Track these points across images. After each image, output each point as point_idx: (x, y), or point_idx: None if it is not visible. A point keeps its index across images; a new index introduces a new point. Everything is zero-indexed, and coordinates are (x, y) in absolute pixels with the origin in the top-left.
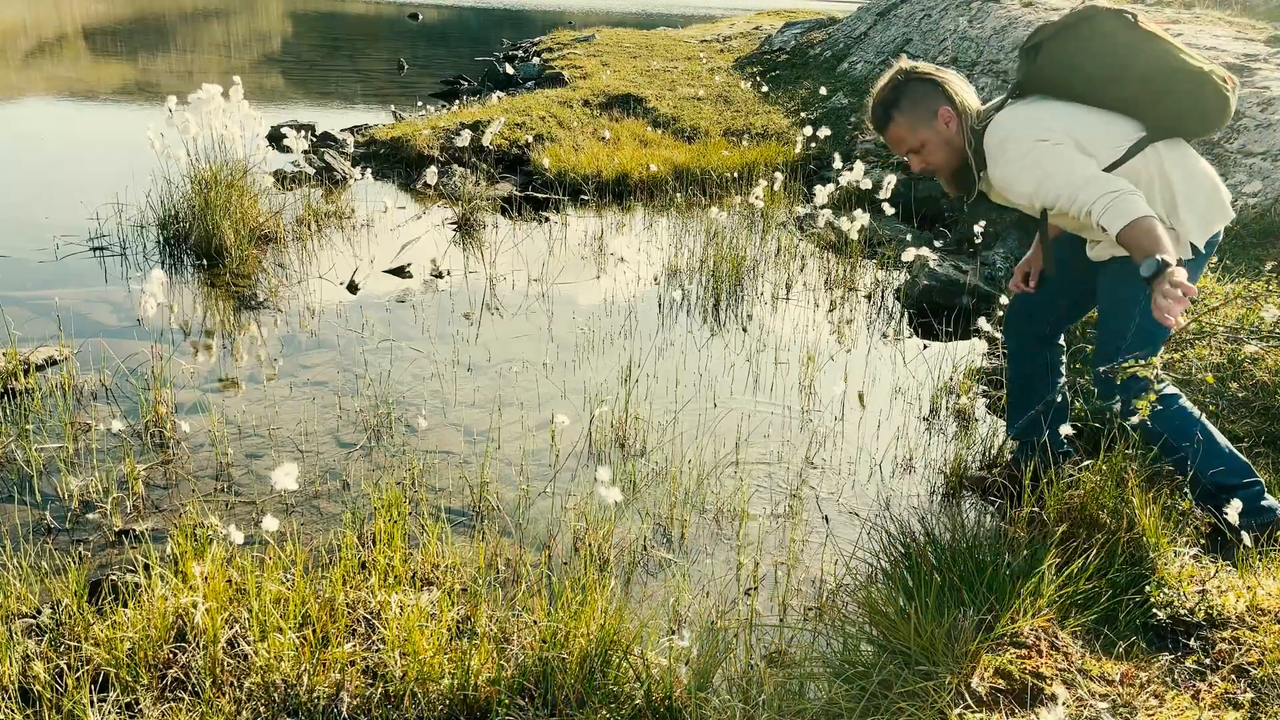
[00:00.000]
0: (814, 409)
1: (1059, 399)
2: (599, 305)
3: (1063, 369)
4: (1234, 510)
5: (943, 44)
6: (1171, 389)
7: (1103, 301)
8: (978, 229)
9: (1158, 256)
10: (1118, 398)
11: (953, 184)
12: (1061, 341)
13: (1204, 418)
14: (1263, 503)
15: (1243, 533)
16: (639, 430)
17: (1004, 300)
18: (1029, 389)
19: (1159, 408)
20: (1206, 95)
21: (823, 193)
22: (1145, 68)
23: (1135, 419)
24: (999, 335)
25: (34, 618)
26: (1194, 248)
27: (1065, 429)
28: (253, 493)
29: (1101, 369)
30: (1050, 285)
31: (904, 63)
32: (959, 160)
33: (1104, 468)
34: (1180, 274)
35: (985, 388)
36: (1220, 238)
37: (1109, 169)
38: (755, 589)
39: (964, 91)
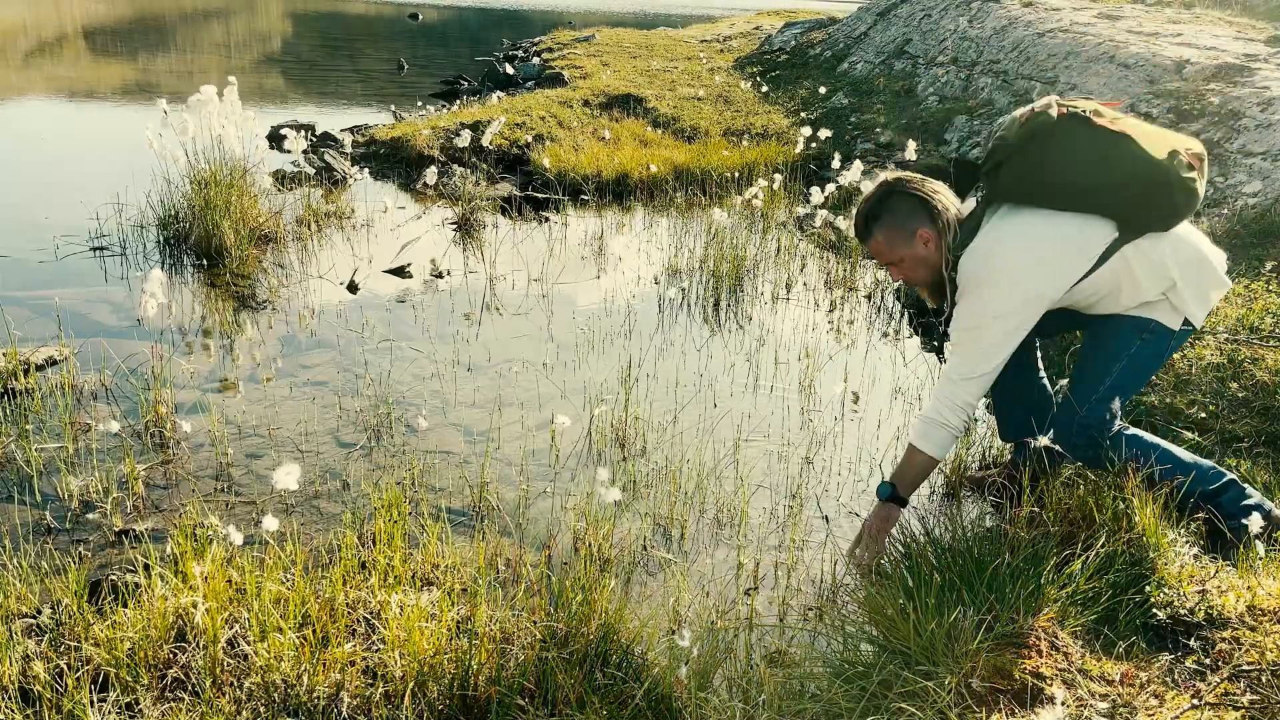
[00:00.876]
0: (814, 409)
1: (1043, 398)
2: (599, 305)
3: (1043, 370)
4: (1255, 522)
5: (943, 44)
6: (1119, 423)
7: (1084, 350)
8: None
9: (892, 488)
10: (1075, 441)
11: (930, 297)
12: (1036, 340)
13: (1157, 439)
14: (1245, 502)
15: (1254, 537)
16: (639, 430)
17: None
18: (1012, 396)
19: (1112, 442)
20: (1176, 193)
21: (822, 192)
22: (1112, 173)
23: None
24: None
25: (34, 618)
26: (1188, 321)
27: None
28: (253, 493)
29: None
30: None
31: (889, 174)
32: (936, 277)
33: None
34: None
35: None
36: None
37: (1090, 271)
38: (755, 589)
39: (947, 203)
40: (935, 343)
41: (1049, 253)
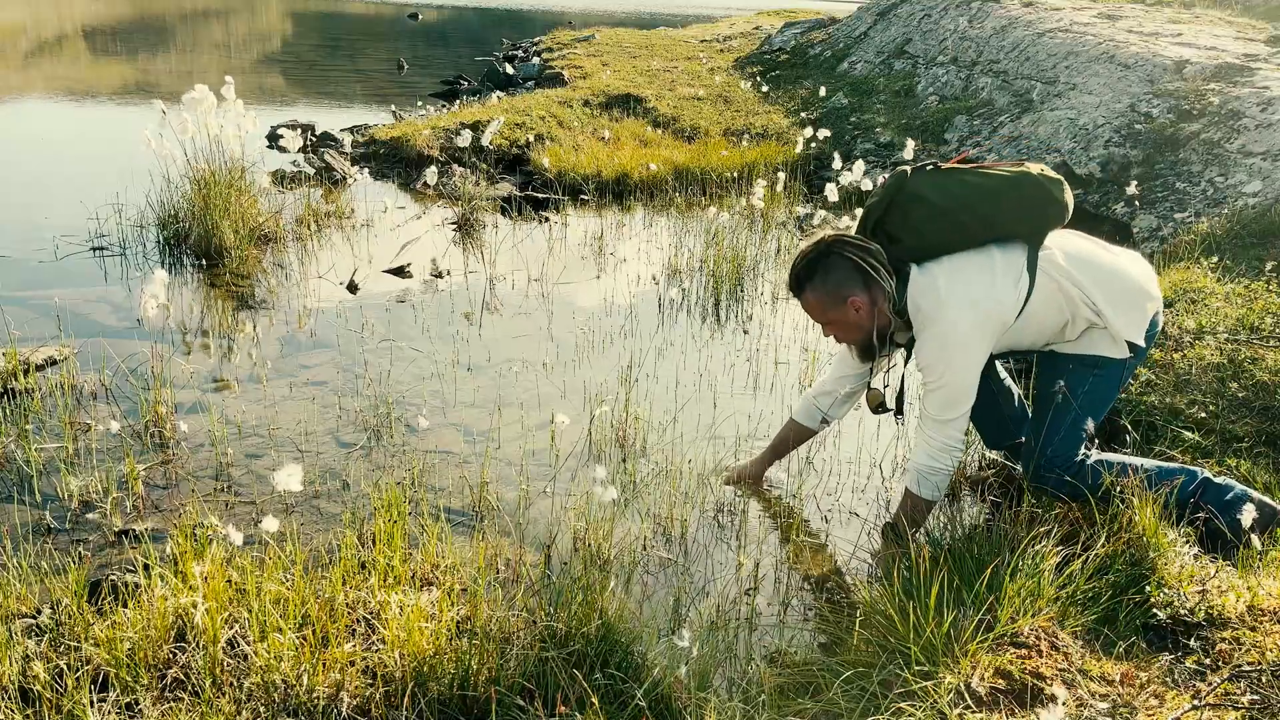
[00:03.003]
0: None
1: (1016, 404)
2: (599, 305)
3: (1006, 376)
4: (1248, 515)
5: (943, 44)
6: (1083, 452)
7: (1039, 390)
8: None
9: (895, 533)
10: (1043, 474)
11: (858, 355)
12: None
13: (1123, 458)
14: (1227, 497)
15: (1252, 534)
16: (639, 430)
17: None
18: (988, 407)
19: (1078, 474)
20: (1046, 187)
21: (836, 191)
22: (985, 196)
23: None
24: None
25: (34, 618)
26: (1132, 345)
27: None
28: (253, 493)
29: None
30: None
31: (829, 232)
32: (867, 340)
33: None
34: None
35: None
36: (1160, 321)
37: (1025, 302)
38: (755, 589)
39: (884, 267)
40: (892, 407)
41: (988, 278)
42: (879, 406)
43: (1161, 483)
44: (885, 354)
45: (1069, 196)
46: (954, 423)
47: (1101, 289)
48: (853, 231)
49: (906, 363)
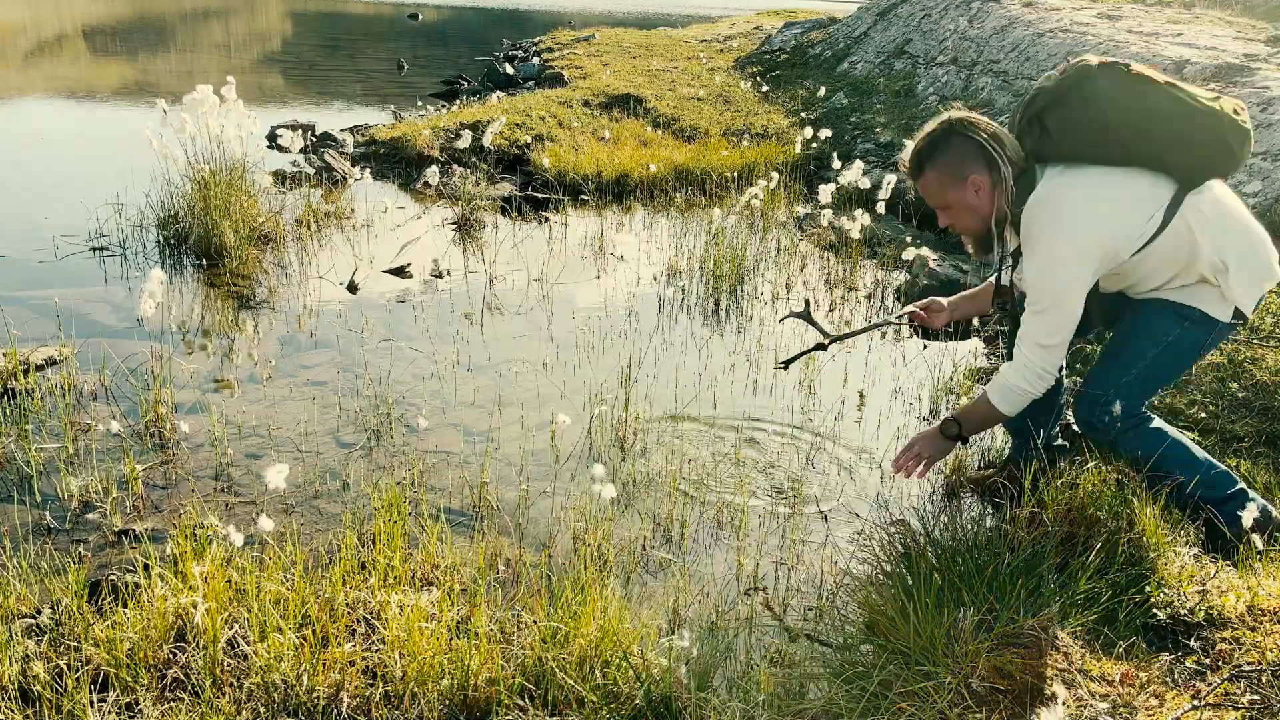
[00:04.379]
0: (814, 409)
1: (1058, 399)
2: (599, 305)
3: (1063, 374)
4: (1249, 514)
5: (943, 44)
6: (1144, 413)
7: (1119, 332)
8: None
9: (958, 426)
10: (1095, 423)
11: (974, 247)
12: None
13: (1178, 434)
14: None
15: (1252, 535)
16: (639, 430)
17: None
18: None
19: (1136, 432)
20: (1226, 133)
21: (832, 192)
22: (1161, 120)
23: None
24: (1002, 331)
25: (34, 618)
26: (1237, 313)
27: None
28: (252, 493)
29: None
30: None
31: (955, 112)
32: (983, 229)
33: (1104, 468)
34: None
35: (985, 388)
36: (1262, 303)
37: (1150, 241)
38: (755, 589)
39: (1008, 152)
40: (1004, 312)
41: (1116, 206)
42: (1003, 305)
43: (1185, 475)
44: (1002, 250)
45: (1246, 152)
46: (1053, 349)
47: (1238, 249)
48: (1014, 116)
49: (1014, 270)
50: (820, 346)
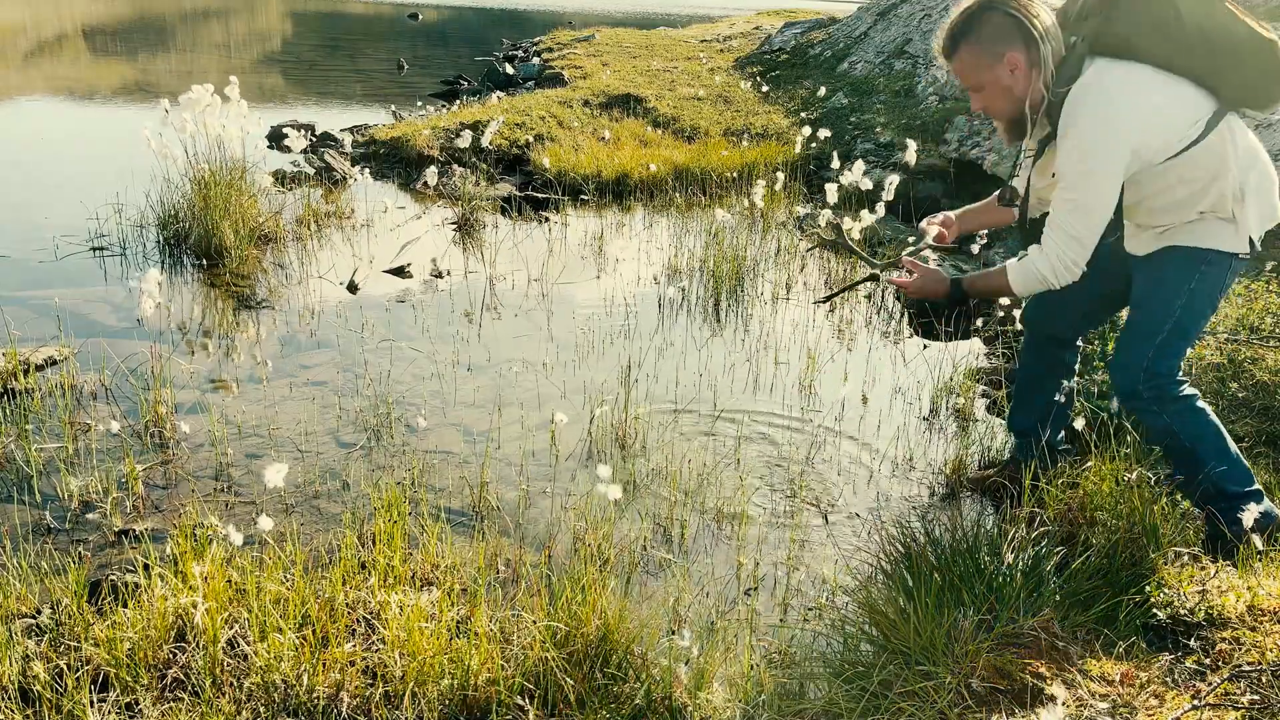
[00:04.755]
0: (814, 409)
1: (1062, 400)
2: (599, 305)
3: (1075, 370)
4: (1249, 514)
5: None
6: (1190, 388)
7: (1139, 293)
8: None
9: (959, 284)
10: (1139, 390)
11: (1006, 132)
12: (1079, 344)
13: (1217, 423)
14: (1262, 509)
15: (1253, 535)
16: (639, 430)
17: (1002, 300)
18: (1036, 386)
19: (1179, 405)
20: (1276, 66)
21: (836, 191)
22: (1223, 34)
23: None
24: (1002, 331)
25: (34, 618)
26: (1252, 243)
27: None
28: (252, 493)
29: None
30: (1075, 286)
31: None
32: (1017, 111)
33: (1104, 468)
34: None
35: (985, 388)
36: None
37: (1184, 150)
38: (755, 589)
39: (1048, 31)
40: (1015, 202)
41: (1166, 104)
42: (1010, 199)
43: (1213, 465)
44: (1032, 137)
45: None
46: (1083, 241)
47: (1256, 180)
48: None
49: (1034, 162)
50: (872, 278)
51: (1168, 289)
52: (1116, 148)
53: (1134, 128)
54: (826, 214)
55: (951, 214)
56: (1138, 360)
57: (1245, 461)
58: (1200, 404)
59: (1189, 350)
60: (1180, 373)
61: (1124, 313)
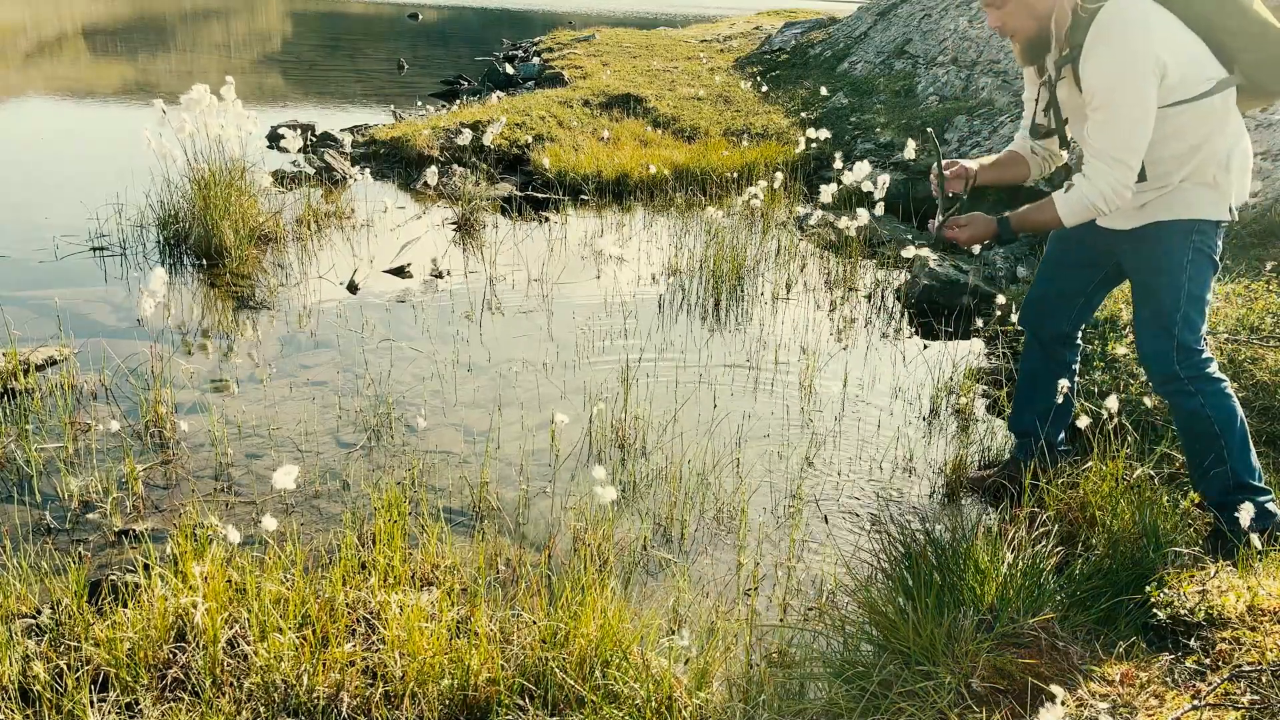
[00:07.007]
0: (814, 409)
1: (1061, 400)
2: (599, 305)
3: (1075, 369)
4: (1245, 513)
5: (943, 44)
6: (1220, 373)
7: (1141, 271)
8: None
9: (1009, 222)
10: (1177, 371)
11: (1023, 54)
12: (1080, 343)
13: (1242, 416)
14: (1268, 507)
15: (1251, 535)
16: (639, 430)
17: (1000, 299)
18: (1037, 386)
19: (1214, 387)
20: None
21: (835, 191)
22: (1248, 13)
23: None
24: (1003, 331)
25: (34, 618)
26: (1231, 211)
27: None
28: (252, 493)
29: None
30: (1066, 278)
31: None
32: (1038, 31)
33: (1104, 468)
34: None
35: (985, 388)
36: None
37: (1188, 100)
38: (755, 589)
39: None
40: (1050, 127)
41: (1188, 45)
42: (1044, 132)
43: (1228, 460)
44: (1049, 63)
45: None
46: (1125, 160)
47: (1240, 154)
48: None
49: (1054, 87)
50: (958, 197)
51: (1170, 270)
52: (1150, 57)
53: (1166, 44)
54: (822, 214)
55: (972, 164)
56: (1166, 344)
57: (1259, 464)
58: (1230, 390)
59: (1206, 316)
60: (1202, 333)
61: (1124, 314)
